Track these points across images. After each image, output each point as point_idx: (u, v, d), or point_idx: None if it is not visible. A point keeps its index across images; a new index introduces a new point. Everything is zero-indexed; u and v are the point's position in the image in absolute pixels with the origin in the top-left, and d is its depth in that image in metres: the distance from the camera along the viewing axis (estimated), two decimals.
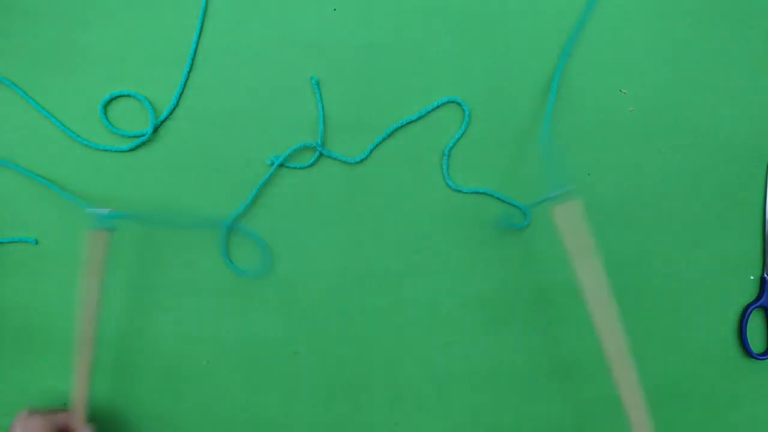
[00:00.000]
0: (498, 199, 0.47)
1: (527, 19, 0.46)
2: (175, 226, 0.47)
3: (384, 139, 0.47)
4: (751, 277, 0.48)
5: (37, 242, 0.47)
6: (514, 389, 0.48)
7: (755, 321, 0.48)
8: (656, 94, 0.46)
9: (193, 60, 0.46)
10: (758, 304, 0.47)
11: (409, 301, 0.48)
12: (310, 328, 0.48)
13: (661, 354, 0.48)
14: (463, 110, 0.46)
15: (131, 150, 0.47)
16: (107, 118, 0.46)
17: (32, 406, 0.44)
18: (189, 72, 0.46)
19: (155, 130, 0.46)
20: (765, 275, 0.47)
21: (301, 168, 0.47)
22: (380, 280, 0.48)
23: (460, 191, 0.47)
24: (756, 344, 0.48)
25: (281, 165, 0.47)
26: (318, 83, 0.45)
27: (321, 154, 0.47)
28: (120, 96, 0.46)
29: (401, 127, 0.46)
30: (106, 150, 0.47)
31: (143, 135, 0.46)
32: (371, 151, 0.47)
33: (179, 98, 0.46)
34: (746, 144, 0.47)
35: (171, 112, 0.46)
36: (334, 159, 0.47)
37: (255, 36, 0.46)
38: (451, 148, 0.47)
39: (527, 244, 0.47)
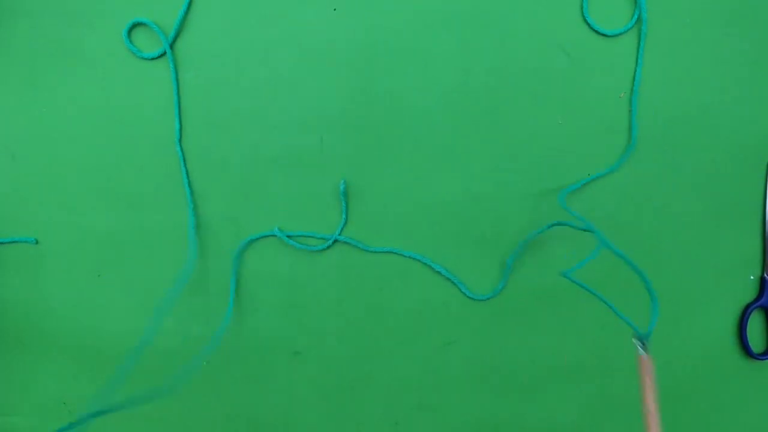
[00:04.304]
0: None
1: (529, 19, 0.46)
2: (176, 224, 0.47)
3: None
4: (751, 277, 0.48)
5: (37, 242, 0.47)
6: (514, 389, 0.48)
7: (755, 321, 0.48)
8: (655, 94, 0.46)
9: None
10: (758, 304, 0.47)
11: (409, 301, 0.48)
12: (310, 328, 0.48)
13: (661, 354, 0.48)
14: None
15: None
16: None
17: None
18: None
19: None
20: (765, 275, 0.47)
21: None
22: (380, 280, 0.48)
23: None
24: (756, 344, 0.48)
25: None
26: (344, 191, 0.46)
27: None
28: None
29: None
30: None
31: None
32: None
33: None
34: (746, 144, 0.47)
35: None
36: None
37: (254, 36, 0.46)
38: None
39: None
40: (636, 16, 0.45)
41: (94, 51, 0.46)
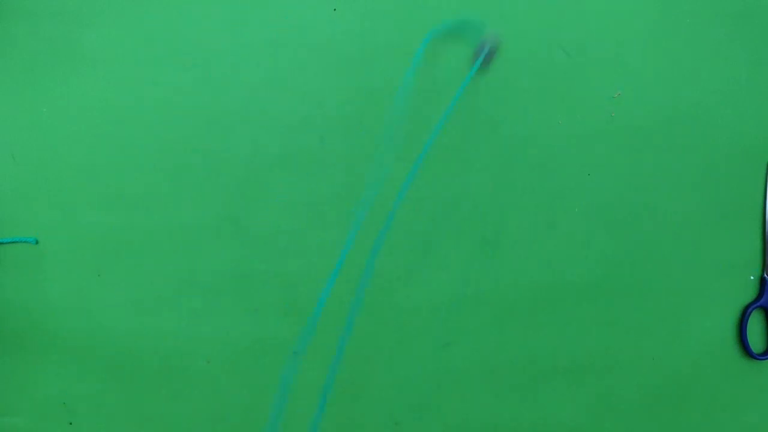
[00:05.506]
0: None
1: (529, 18, 0.46)
2: (176, 225, 0.47)
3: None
4: (751, 277, 0.48)
5: (37, 242, 0.47)
6: (514, 389, 0.48)
7: (755, 321, 0.48)
8: (655, 94, 0.46)
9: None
10: (758, 304, 0.47)
11: (409, 301, 0.48)
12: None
13: (661, 354, 0.48)
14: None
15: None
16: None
17: None
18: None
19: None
20: (765, 275, 0.47)
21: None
22: (380, 280, 0.48)
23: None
24: (756, 344, 0.48)
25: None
26: None
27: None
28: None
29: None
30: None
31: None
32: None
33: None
34: (746, 144, 0.47)
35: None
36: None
37: (254, 36, 0.46)
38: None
39: (527, 243, 0.47)
40: None
41: (94, 51, 0.46)
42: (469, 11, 0.46)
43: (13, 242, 0.47)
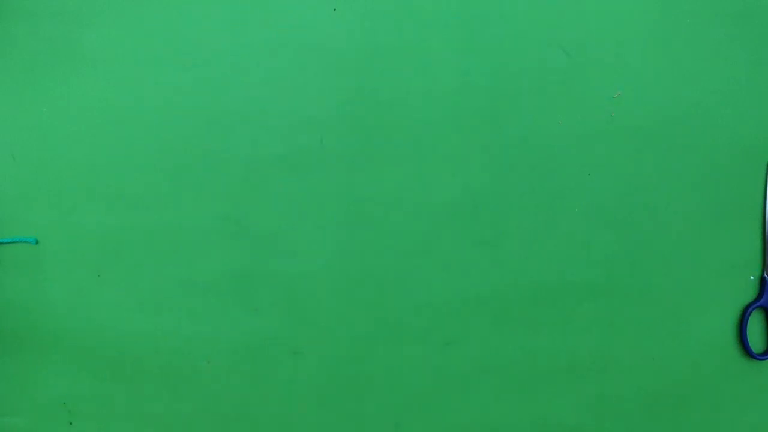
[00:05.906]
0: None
1: (529, 19, 0.46)
2: (176, 225, 0.47)
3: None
4: (751, 277, 0.48)
5: (37, 242, 0.47)
6: (514, 389, 0.48)
7: (755, 321, 0.48)
8: (655, 94, 0.46)
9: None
10: (758, 304, 0.47)
11: (409, 300, 0.48)
12: (310, 328, 0.48)
13: (661, 354, 0.48)
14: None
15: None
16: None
17: None
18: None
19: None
20: (765, 275, 0.47)
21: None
22: (380, 280, 0.48)
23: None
24: (756, 344, 0.48)
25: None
26: None
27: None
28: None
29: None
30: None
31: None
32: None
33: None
34: (746, 144, 0.47)
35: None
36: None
37: (255, 36, 0.46)
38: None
39: (527, 243, 0.47)
40: None
41: (94, 51, 0.46)
42: (469, 11, 0.46)
43: (13, 242, 0.47)
